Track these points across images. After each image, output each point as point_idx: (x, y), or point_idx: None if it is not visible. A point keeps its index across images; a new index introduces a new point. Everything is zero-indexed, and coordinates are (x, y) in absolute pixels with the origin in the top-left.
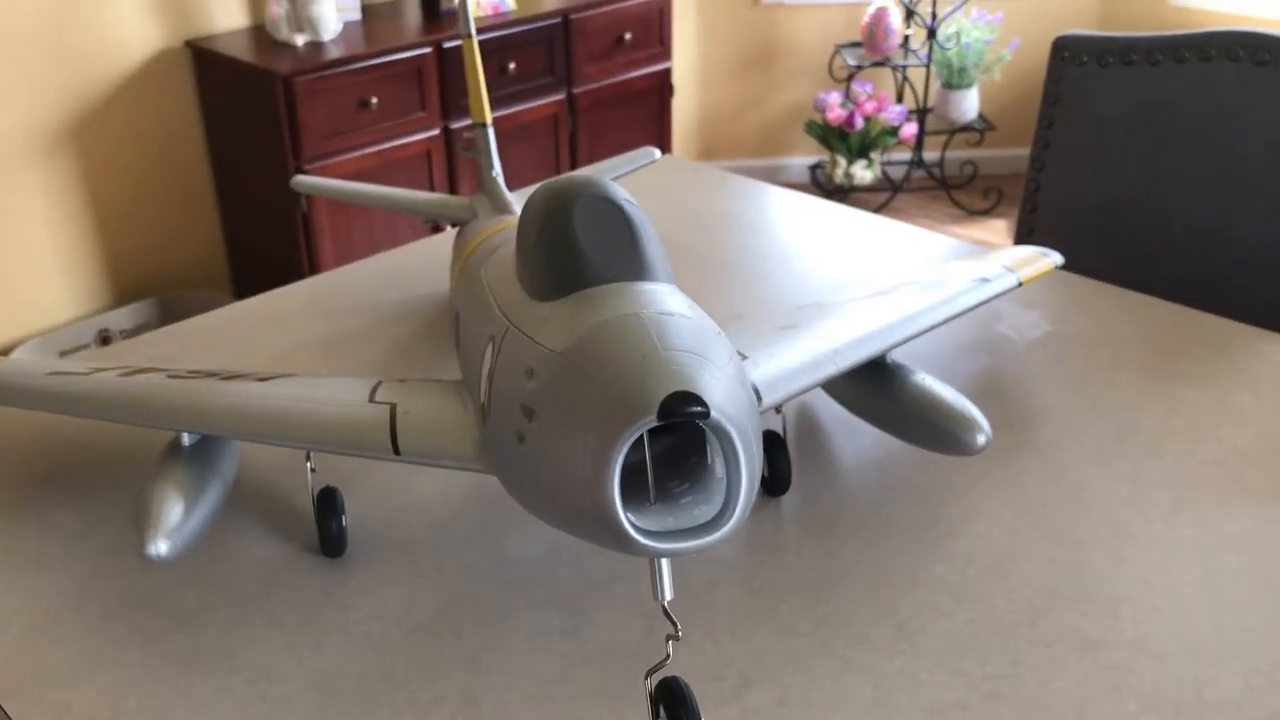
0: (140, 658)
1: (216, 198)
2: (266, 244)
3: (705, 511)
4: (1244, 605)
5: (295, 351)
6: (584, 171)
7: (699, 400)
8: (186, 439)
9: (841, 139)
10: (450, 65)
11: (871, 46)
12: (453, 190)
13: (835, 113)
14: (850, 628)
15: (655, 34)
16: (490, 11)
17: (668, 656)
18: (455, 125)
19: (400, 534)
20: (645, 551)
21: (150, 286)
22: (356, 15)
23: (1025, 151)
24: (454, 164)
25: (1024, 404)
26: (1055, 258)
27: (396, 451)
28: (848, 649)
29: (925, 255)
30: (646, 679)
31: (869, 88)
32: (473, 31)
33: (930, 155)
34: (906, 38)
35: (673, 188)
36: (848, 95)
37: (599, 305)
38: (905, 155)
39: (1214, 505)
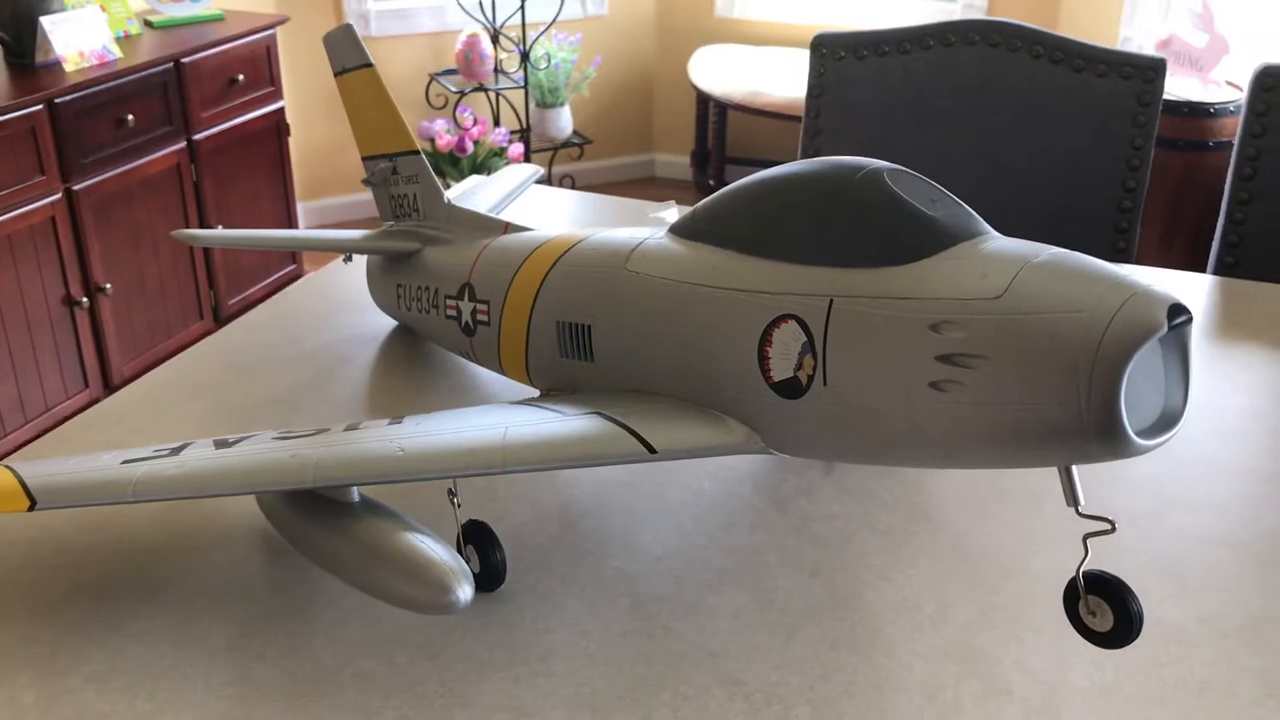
0: None
1: None
2: None
3: (1138, 417)
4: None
5: (259, 409)
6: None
7: (1186, 309)
8: (357, 494)
9: (453, 164)
10: (65, 123)
11: (468, 73)
12: (82, 260)
13: (445, 139)
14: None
15: (265, 74)
16: (95, 61)
17: (1087, 552)
18: (78, 187)
19: (530, 556)
20: (1142, 450)
21: None
22: None
23: (619, 161)
24: (80, 231)
25: None
26: None
27: (651, 451)
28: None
29: None
30: (1077, 573)
31: (470, 113)
32: (370, 60)
33: None
34: (499, 62)
35: None
36: (454, 121)
37: (990, 254)
38: None
39: None
